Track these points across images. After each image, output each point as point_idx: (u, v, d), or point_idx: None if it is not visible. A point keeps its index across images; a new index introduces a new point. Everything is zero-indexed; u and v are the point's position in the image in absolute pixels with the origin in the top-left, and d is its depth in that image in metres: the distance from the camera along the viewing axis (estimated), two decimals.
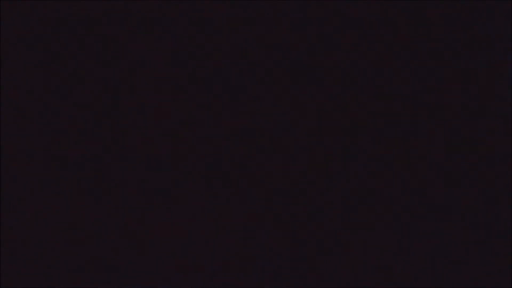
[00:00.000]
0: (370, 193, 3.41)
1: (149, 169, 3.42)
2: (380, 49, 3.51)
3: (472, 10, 3.48)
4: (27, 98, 3.41)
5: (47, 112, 3.42)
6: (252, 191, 3.42)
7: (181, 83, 3.49)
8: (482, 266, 3.29)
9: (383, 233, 3.36)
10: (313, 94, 3.48)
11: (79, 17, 3.46)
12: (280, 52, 3.48)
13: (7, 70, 3.41)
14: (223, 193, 3.41)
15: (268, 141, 3.46)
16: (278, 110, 3.47)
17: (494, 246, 3.30)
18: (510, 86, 3.42)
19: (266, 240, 3.38)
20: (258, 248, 3.36)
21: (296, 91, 3.48)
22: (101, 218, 3.36)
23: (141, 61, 3.48)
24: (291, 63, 3.49)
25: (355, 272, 3.32)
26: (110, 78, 3.46)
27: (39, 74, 3.43)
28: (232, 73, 3.49)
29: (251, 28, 3.50)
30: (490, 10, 3.47)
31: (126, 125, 3.44)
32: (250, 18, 3.51)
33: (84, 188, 3.38)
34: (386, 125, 3.46)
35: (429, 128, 3.45)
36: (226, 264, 3.35)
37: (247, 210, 3.41)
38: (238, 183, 3.43)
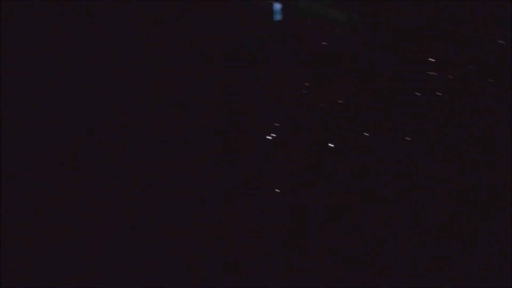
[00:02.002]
0: (369, 193, 3.43)
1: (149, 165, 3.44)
2: (381, 49, 3.52)
3: (472, 10, 3.49)
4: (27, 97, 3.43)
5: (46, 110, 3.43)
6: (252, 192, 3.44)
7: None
8: (482, 266, 3.30)
9: (382, 233, 3.38)
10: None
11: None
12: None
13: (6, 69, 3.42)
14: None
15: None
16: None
17: (494, 246, 3.31)
18: (510, 86, 3.43)
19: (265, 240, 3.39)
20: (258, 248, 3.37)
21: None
22: (101, 218, 3.36)
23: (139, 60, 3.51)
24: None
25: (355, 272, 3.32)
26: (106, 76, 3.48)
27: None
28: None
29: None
30: (490, 10, 3.48)
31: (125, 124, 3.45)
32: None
33: (83, 188, 3.39)
34: (385, 126, 3.47)
35: (428, 128, 3.47)
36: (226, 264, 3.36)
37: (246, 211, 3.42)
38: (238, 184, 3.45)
